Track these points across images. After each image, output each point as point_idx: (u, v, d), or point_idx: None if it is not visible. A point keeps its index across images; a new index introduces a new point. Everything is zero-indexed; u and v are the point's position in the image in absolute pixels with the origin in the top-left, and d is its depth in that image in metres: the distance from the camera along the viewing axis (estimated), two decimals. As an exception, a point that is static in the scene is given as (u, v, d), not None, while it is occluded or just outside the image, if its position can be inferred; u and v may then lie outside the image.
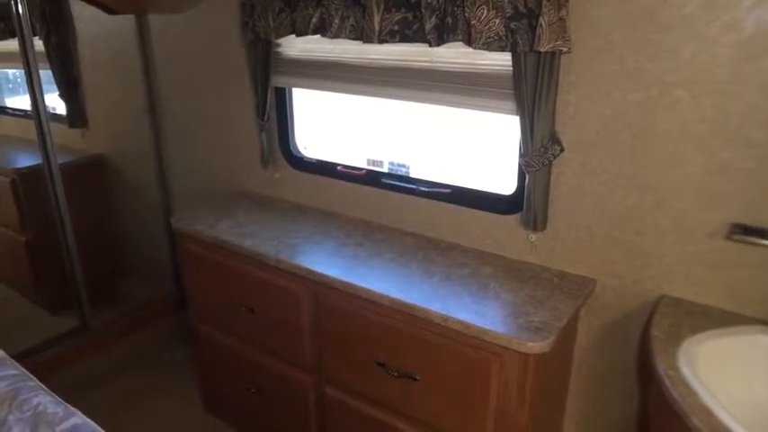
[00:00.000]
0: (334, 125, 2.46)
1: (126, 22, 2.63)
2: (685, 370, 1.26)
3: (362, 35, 1.79)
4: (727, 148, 1.44)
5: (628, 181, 1.60)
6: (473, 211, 1.89)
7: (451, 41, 1.65)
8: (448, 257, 1.85)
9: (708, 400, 1.17)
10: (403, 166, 2.14)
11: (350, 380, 1.82)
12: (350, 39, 1.84)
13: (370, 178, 2.13)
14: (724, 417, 1.12)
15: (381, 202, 2.10)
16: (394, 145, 2.25)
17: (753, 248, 1.46)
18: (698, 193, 1.51)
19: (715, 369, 1.31)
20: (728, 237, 1.48)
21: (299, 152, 2.35)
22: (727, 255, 1.50)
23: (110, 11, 2.57)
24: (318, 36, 1.93)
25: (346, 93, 2.08)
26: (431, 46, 1.67)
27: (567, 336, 1.74)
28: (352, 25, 1.81)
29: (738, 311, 1.52)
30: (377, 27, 1.75)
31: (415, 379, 1.64)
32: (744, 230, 1.46)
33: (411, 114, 2.18)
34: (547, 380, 1.66)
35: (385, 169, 2.18)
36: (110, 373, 2.74)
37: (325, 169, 2.25)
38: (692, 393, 1.19)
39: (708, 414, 1.13)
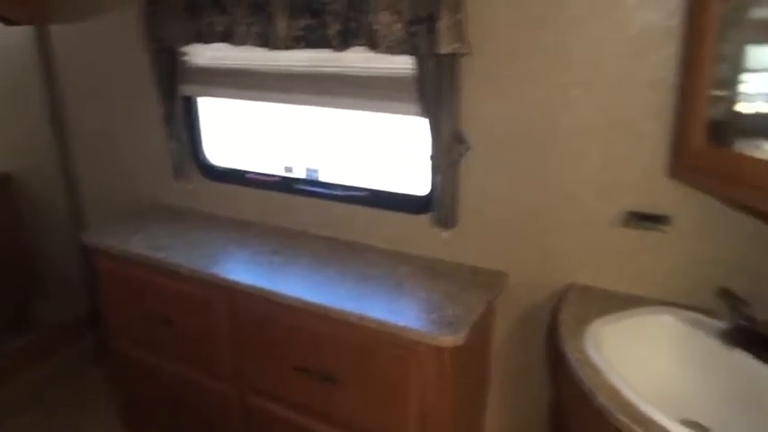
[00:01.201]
0: (247, 133, 2.44)
1: (26, 32, 2.53)
2: (591, 352, 1.32)
3: (268, 42, 1.79)
4: (621, 141, 1.53)
5: (533, 177, 1.66)
6: (388, 212, 1.92)
7: (356, 46, 1.68)
8: (363, 259, 1.87)
9: (613, 378, 1.22)
10: (315, 171, 2.15)
11: (272, 387, 1.81)
12: (256, 46, 1.83)
13: (284, 185, 2.13)
14: (629, 393, 1.18)
15: (296, 207, 2.10)
16: (309, 151, 2.25)
17: (649, 234, 1.55)
18: (597, 185, 1.59)
19: (620, 349, 1.38)
20: (626, 224, 1.57)
21: (212, 162, 2.32)
22: (626, 241, 1.59)
23: (9, 22, 2.47)
24: (226, 44, 1.91)
25: (256, 100, 2.07)
26: (335, 51, 1.69)
27: (483, 329, 1.79)
28: (257, 32, 1.81)
29: (640, 294, 1.61)
30: (282, 33, 1.75)
31: (335, 381, 1.64)
32: (639, 217, 1.55)
33: (327, 119, 2.19)
34: (466, 373, 1.70)
35: (299, 175, 2.18)
36: (27, 397, 2.61)
37: (239, 178, 2.23)
38: (598, 373, 1.25)
39: (613, 392, 1.19)
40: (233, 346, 1.85)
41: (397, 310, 1.55)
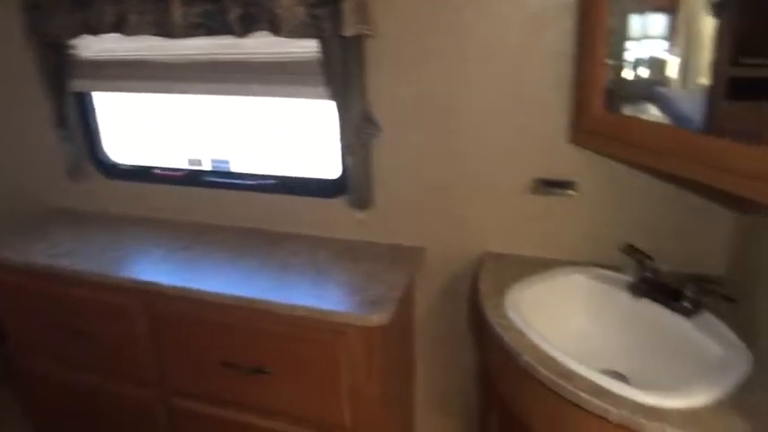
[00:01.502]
0: (151, 128, 2.34)
1: None
2: (512, 315, 1.38)
3: (164, 30, 1.72)
4: (524, 113, 1.59)
5: (443, 152, 1.70)
6: (302, 198, 1.91)
7: (258, 31, 1.64)
8: (282, 247, 1.85)
9: (535, 338, 1.29)
10: (224, 162, 2.09)
11: (198, 387, 1.76)
12: (151, 35, 1.75)
13: (192, 178, 2.06)
14: (551, 350, 1.25)
15: (207, 201, 2.04)
16: (216, 142, 2.19)
17: (556, 199, 1.64)
18: (505, 156, 1.65)
19: (538, 310, 1.45)
20: (534, 192, 1.65)
21: (111, 159, 2.21)
22: (535, 208, 1.67)
23: None
24: (119, 35, 1.81)
25: (156, 92, 1.98)
26: (237, 37, 1.65)
27: (406, 305, 1.82)
28: (151, 21, 1.73)
29: (552, 257, 1.69)
30: (179, 21, 1.68)
31: (266, 372, 1.63)
32: (546, 184, 1.63)
33: (233, 107, 2.14)
34: (393, 351, 1.72)
35: (207, 167, 2.11)
36: None
37: (143, 174, 2.14)
38: (521, 335, 1.31)
39: (537, 350, 1.26)
40: (154, 349, 1.78)
41: (321, 296, 1.55)
